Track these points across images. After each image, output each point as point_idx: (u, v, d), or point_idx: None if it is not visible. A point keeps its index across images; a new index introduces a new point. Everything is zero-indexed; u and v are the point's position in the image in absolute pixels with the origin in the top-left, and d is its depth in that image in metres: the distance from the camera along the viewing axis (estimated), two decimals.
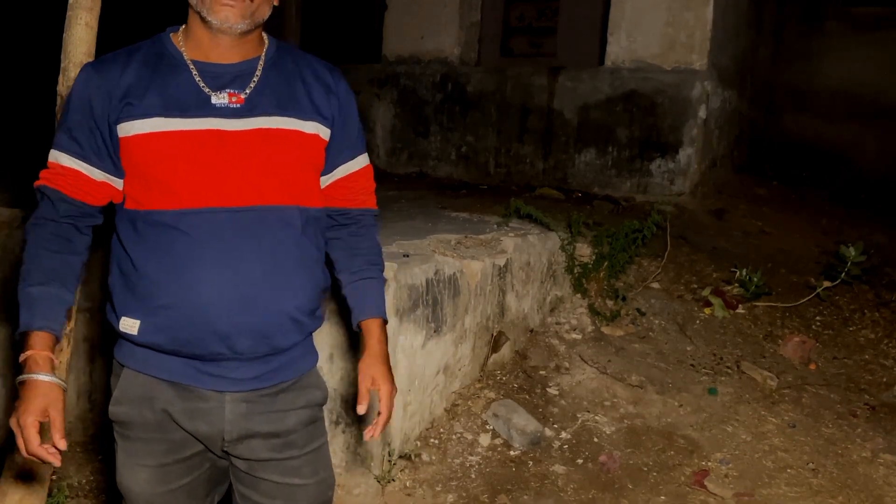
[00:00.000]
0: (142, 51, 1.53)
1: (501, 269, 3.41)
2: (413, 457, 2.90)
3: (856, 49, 6.47)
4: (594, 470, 2.94)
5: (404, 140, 6.31)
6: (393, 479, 2.80)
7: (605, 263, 3.95)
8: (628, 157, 5.36)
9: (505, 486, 2.83)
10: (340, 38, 7.08)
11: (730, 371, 3.59)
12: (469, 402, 3.20)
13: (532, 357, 3.54)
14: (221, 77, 1.50)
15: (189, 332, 1.46)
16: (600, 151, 5.45)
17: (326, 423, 2.79)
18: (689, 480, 2.89)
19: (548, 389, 3.36)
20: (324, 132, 1.57)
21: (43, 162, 1.56)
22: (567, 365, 3.51)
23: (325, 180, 1.65)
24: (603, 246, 3.96)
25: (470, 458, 2.97)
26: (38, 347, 1.45)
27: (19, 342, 1.49)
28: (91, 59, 2.11)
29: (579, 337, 3.70)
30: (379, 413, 1.64)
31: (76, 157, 1.50)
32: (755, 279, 4.12)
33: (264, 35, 1.59)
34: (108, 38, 2.25)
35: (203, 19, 1.47)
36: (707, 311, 4.02)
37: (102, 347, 3.09)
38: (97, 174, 1.51)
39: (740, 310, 4.09)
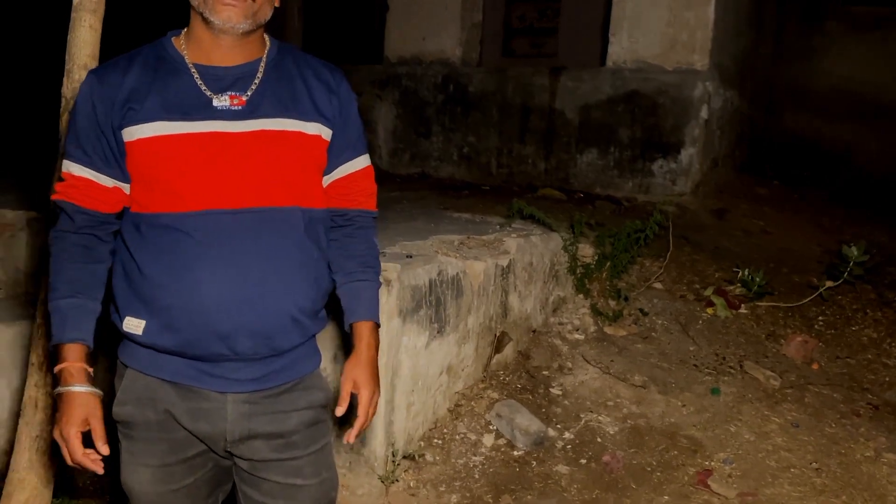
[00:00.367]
0: (143, 55, 1.54)
1: (504, 269, 3.41)
2: (417, 457, 2.91)
3: (856, 48, 6.48)
4: (597, 470, 2.95)
5: (406, 141, 6.32)
6: (397, 480, 2.80)
7: (608, 264, 3.95)
8: (630, 157, 5.36)
9: (508, 487, 2.84)
10: (342, 39, 7.08)
11: (732, 371, 3.59)
12: (472, 403, 3.21)
13: (535, 357, 3.54)
14: (223, 79, 1.51)
15: (191, 332, 1.47)
16: (602, 152, 5.46)
17: (330, 423, 2.80)
18: (692, 480, 2.89)
19: (551, 389, 3.36)
20: (325, 133, 1.57)
21: (48, 165, 1.57)
22: (570, 365, 3.51)
23: (326, 179, 1.66)
24: (605, 246, 3.96)
25: (473, 458, 2.97)
26: (72, 359, 1.50)
27: (52, 354, 1.53)
28: (95, 62, 2.12)
29: (582, 337, 3.70)
30: (357, 416, 1.64)
31: (85, 166, 1.52)
32: (757, 279, 4.12)
33: (266, 36, 1.60)
34: (113, 41, 2.26)
35: (205, 20, 1.48)
36: (709, 310, 4.02)
37: (106, 348, 3.10)
38: (107, 181, 1.52)
39: (743, 309, 4.09)
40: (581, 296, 3.91)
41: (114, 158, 1.51)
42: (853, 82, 6.44)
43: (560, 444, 3.08)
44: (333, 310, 2.73)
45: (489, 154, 5.94)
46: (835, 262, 4.34)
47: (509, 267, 3.45)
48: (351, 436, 1.64)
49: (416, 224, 3.75)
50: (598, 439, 3.11)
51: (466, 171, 6.04)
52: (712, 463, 2.99)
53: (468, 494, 2.79)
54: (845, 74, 6.47)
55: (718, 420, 3.24)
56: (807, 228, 5.40)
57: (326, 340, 2.76)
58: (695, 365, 3.61)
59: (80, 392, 1.47)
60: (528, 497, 2.79)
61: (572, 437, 3.12)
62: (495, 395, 3.26)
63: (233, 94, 1.50)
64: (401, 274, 2.79)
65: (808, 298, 4.23)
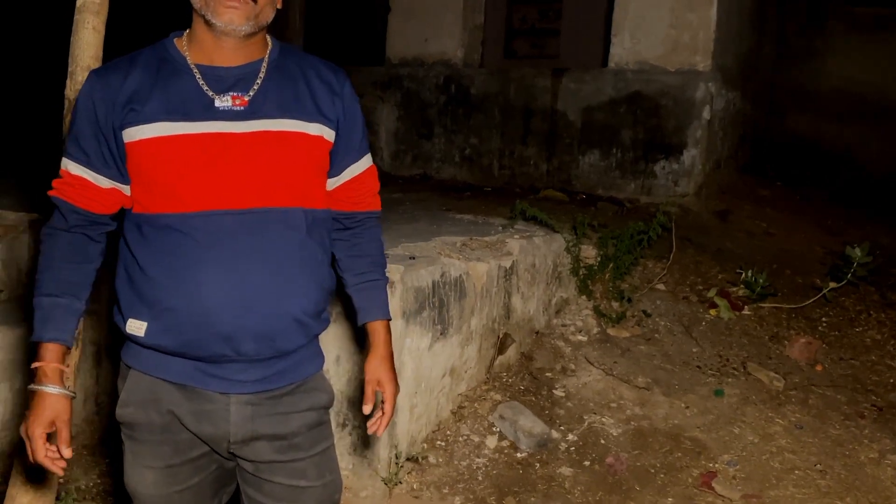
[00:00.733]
0: (145, 56, 1.54)
1: (507, 270, 3.41)
2: (420, 459, 2.90)
3: (858, 49, 6.47)
4: (601, 472, 2.94)
5: (408, 142, 6.31)
6: (400, 482, 2.80)
7: (611, 265, 3.95)
8: (632, 158, 5.35)
9: (512, 489, 2.83)
10: (344, 41, 7.08)
11: (736, 372, 3.59)
12: (475, 405, 3.20)
13: (538, 359, 3.54)
14: (225, 80, 1.50)
15: (194, 333, 1.47)
16: (604, 153, 5.45)
17: (333, 426, 2.79)
18: (696, 482, 2.88)
19: (554, 391, 3.35)
20: (328, 134, 1.57)
21: (50, 167, 1.57)
22: (573, 367, 3.50)
23: (333, 183, 1.66)
24: (608, 247, 3.95)
25: (477, 460, 2.96)
26: (49, 359, 1.50)
27: (31, 350, 1.53)
28: (98, 63, 2.11)
29: (585, 339, 3.70)
30: (382, 413, 1.69)
31: (83, 166, 1.52)
32: (760, 280, 4.11)
33: (268, 37, 1.60)
34: (116, 42, 2.26)
35: (207, 22, 1.48)
36: (713, 312, 4.01)
37: (109, 350, 3.10)
38: (104, 181, 1.52)
39: (746, 311, 4.08)
40: (584, 297, 3.90)
41: (112, 159, 1.51)
42: (855, 83, 6.43)
43: (563, 445, 3.07)
44: (338, 311, 2.73)
45: (491, 155, 5.93)
46: (838, 263, 4.33)
47: (512, 268, 3.44)
48: (380, 429, 1.69)
49: (418, 225, 3.74)
50: (602, 441, 3.10)
51: (468, 172, 6.03)
52: (716, 465, 2.98)
53: (471, 496, 2.78)
54: (847, 75, 6.46)
55: (722, 422, 3.23)
56: (810, 229, 5.39)
57: (329, 342, 2.75)
58: (698, 366, 3.61)
59: (52, 393, 1.48)
60: (532, 499, 2.79)
61: (576, 438, 3.11)
62: (498, 397, 3.25)
63: (235, 94, 1.49)
64: (404, 275, 2.78)
65: (812, 300, 4.23)
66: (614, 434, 3.14)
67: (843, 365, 3.81)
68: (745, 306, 4.10)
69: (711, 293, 4.11)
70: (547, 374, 3.45)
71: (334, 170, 1.64)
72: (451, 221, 3.99)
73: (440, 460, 2.94)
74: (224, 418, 1.54)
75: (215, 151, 1.46)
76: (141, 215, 1.50)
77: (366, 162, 1.70)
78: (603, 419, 3.22)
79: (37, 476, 2.21)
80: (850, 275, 4.13)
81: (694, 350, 3.73)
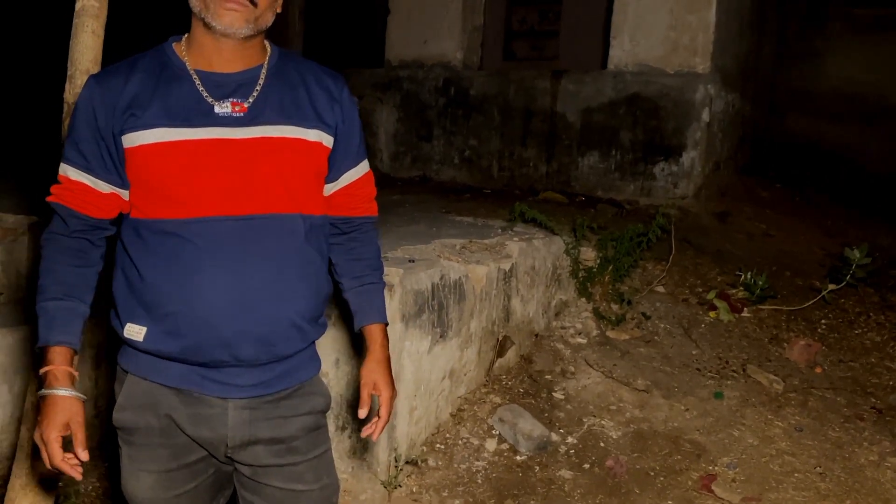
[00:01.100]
0: (144, 61, 1.53)
1: (506, 273, 3.41)
2: (419, 462, 2.90)
3: (858, 50, 6.47)
4: (601, 475, 2.94)
5: (407, 144, 6.31)
6: (399, 485, 2.79)
7: (610, 267, 3.94)
8: (631, 160, 5.35)
9: (511, 492, 2.83)
10: (343, 43, 7.08)
11: (735, 375, 3.59)
12: (475, 407, 3.20)
13: (537, 361, 3.54)
14: (224, 86, 1.51)
15: (193, 339, 1.47)
16: (603, 155, 5.45)
17: (333, 429, 2.80)
18: (696, 485, 2.88)
19: (553, 394, 3.35)
20: (327, 140, 1.57)
21: (49, 170, 1.57)
22: (572, 369, 3.50)
23: (331, 188, 1.67)
24: (607, 250, 3.95)
25: (476, 463, 2.96)
26: (58, 363, 1.49)
27: (38, 356, 1.52)
28: (97, 67, 2.12)
29: (584, 341, 3.69)
30: (378, 417, 1.69)
31: (83, 171, 1.52)
32: (760, 282, 4.11)
33: (266, 43, 1.60)
34: (115, 46, 2.26)
35: (206, 25, 1.48)
36: (712, 314, 4.01)
37: (109, 353, 3.09)
38: (104, 186, 1.52)
39: (745, 313, 4.08)
40: (583, 299, 3.90)
41: (112, 164, 1.51)
42: (855, 84, 6.43)
43: (563, 448, 3.07)
44: (336, 315, 2.73)
45: (490, 157, 5.93)
46: (837, 264, 4.33)
47: (511, 271, 3.44)
48: (375, 434, 1.69)
49: (417, 228, 3.74)
50: (602, 444, 3.10)
51: (468, 174, 6.03)
52: (716, 467, 2.98)
53: (471, 500, 2.78)
54: (847, 76, 6.46)
55: (722, 424, 3.23)
56: (809, 231, 5.39)
57: (328, 346, 2.75)
58: (698, 369, 3.60)
59: (65, 396, 1.47)
60: (532, 502, 2.78)
61: (575, 441, 3.11)
62: (498, 400, 3.25)
63: (234, 100, 1.50)
64: (403, 278, 2.78)
65: (811, 302, 4.23)
66: (614, 437, 3.14)
67: (842, 367, 3.81)
68: (745, 308, 4.10)
69: (711, 295, 4.11)
70: (546, 377, 3.44)
71: (332, 175, 1.64)
72: (451, 224, 3.98)
73: (439, 463, 2.93)
74: (222, 422, 1.54)
75: (215, 157, 1.46)
76: (140, 220, 1.50)
77: (363, 167, 1.71)
78: (602, 422, 3.22)
79: (36, 480, 2.21)
80: (848, 276, 4.13)
81: (693, 352, 3.72)
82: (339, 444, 2.81)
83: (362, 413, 1.69)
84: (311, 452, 1.62)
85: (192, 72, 1.51)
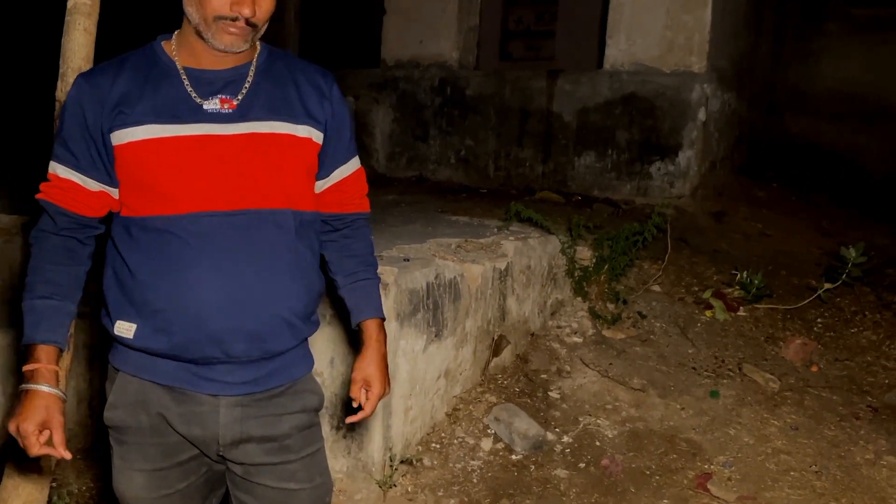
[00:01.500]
0: (133, 60, 1.53)
1: (502, 272, 3.40)
2: (415, 462, 2.89)
3: (856, 50, 6.47)
4: (596, 474, 2.93)
5: (404, 144, 6.31)
6: (394, 485, 2.79)
7: (606, 266, 3.94)
8: (628, 159, 5.35)
9: (507, 491, 2.82)
10: (339, 44, 7.08)
11: (731, 374, 3.58)
12: (470, 407, 3.19)
13: (533, 361, 3.53)
14: (214, 83, 1.50)
15: (183, 335, 1.47)
16: (600, 154, 5.45)
17: (328, 429, 2.79)
18: (691, 484, 2.87)
19: (549, 393, 3.35)
20: (316, 136, 1.57)
21: (42, 169, 1.56)
22: (568, 368, 3.50)
23: (322, 185, 1.66)
24: (603, 249, 3.95)
25: (472, 462, 2.96)
26: (45, 361, 1.49)
27: (23, 353, 1.51)
28: (89, 65, 2.11)
29: (580, 340, 3.69)
30: (362, 407, 1.69)
31: (72, 168, 1.51)
32: (756, 281, 4.11)
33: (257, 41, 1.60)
34: (107, 44, 2.25)
35: (203, 38, 1.48)
36: (708, 313, 4.01)
37: (102, 353, 3.08)
38: (93, 184, 1.52)
39: (741, 312, 4.08)
40: (579, 299, 3.90)
41: (101, 162, 1.50)
42: (853, 84, 6.43)
43: (559, 447, 3.07)
44: (332, 314, 2.72)
45: (487, 157, 5.93)
46: (834, 264, 4.33)
47: (507, 270, 3.44)
48: (353, 418, 1.70)
49: (413, 227, 3.73)
50: (597, 443, 3.09)
51: (464, 174, 6.03)
52: (712, 466, 2.97)
53: (466, 499, 2.77)
54: (845, 76, 6.46)
55: (718, 423, 3.22)
56: (806, 230, 5.39)
57: (323, 345, 2.75)
58: (693, 368, 3.60)
59: (47, 392, 1.47)
60: (527, 502, 2.78)
61: (571, 440, 3.10)
62: (493, 399, 3.24)
63: (223, 97, 1.50)
64: (398, 277, 2.77)
65: (807, 301, 4.22)
66: (609, 436, 3.14)
67: (838, 366, 3.81)
68: (741, 307, 4.10)
69: (707, 294, 4.11)
70: (542, 376, 3.44)
71: (323, 171, 1.64)
72: (447, 223, 3.98)
73: (435, 463, 2.93)
74: (213, 420, 1.53)
75: (204, 153, 1.46)
76: (129, 218, 1.50)
77: (354, 164, 1.71)
78: (598, 421, 3.22)
79: (28, 480, 2.20)
80: (845, 275, 4.13)
81: (689, 351, 3.72)
82: (333, 443, 2.80)
83: (354, 405, 1.69)
84: (303, 451, 1.61)
85: (181, 69, 1.51)
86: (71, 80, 2.08)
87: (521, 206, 3.96)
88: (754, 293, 4.12)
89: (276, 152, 1.51)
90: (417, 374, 2.92)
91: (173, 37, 1.55)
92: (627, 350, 3.66)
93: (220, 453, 1.57)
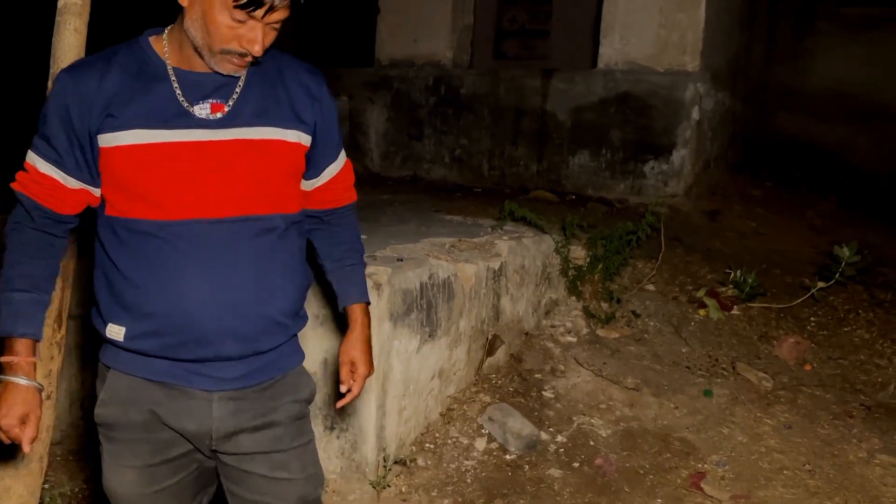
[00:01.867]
0: (120, 57, 1.49)
1: (496, 272, 3.40)
2: (408, 462, 2.89)
3: (848, 49, 6.48)
4: (590, 473, 2.93)
5: (398, 143, 6.30)
6: (388, 485, 2.78)
7: (600, 266, 3.94)
8: (622, 158, 5.35)
9: (501, 491, 2.82)
10: (333, 43, 7.07)
11: (725, 372, 3.59)
12: (464, 407, 3.19)
13: (527, 360, 3.53)
14: (205, 86, 1.48)
15: (175, 338, 1.47)
16: (594, 153, 5.45)
17: (321, 429, 2.79)
18: (685, 483, 2.88)
19: (543, 393, 3.35)
20: (305, 139, 1.57)
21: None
22: (562, 368, 3.50)
23: (313, 184, 1.67)
24: (597, 248, 3.95)
25: (466, 462, 2.95)
26: (24, 354, 1.50)
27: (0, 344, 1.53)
28: None
29: (574, 340, 3.69)
30: (349, 389, 1.73)
31: (53, 165, 1.49)
32: (750, 280, 4.12)
33: None
34: (98, 44, 2.24)
35: (202, 56, 1.45)
36: (702, 312, 4.01)
37: (94, 354, 3.07)
38: (73, 182, 1.50)
39: (735, 311, 4.08)
40: (573, 298, 3.90)
41: (84, 162, 1.48)
42: (846, 83, 6.44)
43: (553, 447, 3.06)
44: (324, 314, 2.72)
45: (481, 156, 5.93)
46: (827, 262, 4.34)
47: (501, 270, 3.43)
48: (341, 403, 1.74)
49: (407, 227, 3.73)
50: (591, 442, 3.09)
51: (458, 173, 6.02)
52: (705, 465, 2.98)
53: (460, 499, 2.77)
54: (838, 75, 6.48)
55: (711, 422, 3.23)
56: (799, 229, 5.40)
57: (316, 345, 2.74)
58: (687, 367, 3.61)
59: (27, 386, 1.49)
60: (521, 501, 2.78)
61: (565, 440, 3.10)
62: (487, 399, 3.24)
63: (214, 101, 1.48)
64: (391, 277, 2.77)
65: (801, 299, 4.23)
66: (603, 435, 3.14)
67: (831, 364, 3.82)
68: (735, 306, 4.10)
69: (701, 293, 4.11)
70: (536, 376, 3.44)
71: (313, 171, 1.64)
72: (441, 222, 3.97)
73: (429, 463, 2.92)
74: (206, 414, 1.54)
75: (194, 160, 1.45)
76: (116, 219, 1.49)
77: (342, 159, 1.73)
78: (592, 420, 3.22)
79: (20, 482, 2.19)
80: (838, 274, 4.14)
81: (683, 350, 3.73)
82: (327, 444, 2.80)
83: (343, 388, 1.72)
84: (295, 441, 1.62)
85: (171, 71, 1.48)
86: None
87: (515, 205, 3.96)
88: (748, 292, 4.12)
89: (265, 158, 1.50)
90: (411, 374, 2.92)
91: (164, 34, 1.51)
92: (621, 349, 3.66)
93: (213, 447, 1.57)
